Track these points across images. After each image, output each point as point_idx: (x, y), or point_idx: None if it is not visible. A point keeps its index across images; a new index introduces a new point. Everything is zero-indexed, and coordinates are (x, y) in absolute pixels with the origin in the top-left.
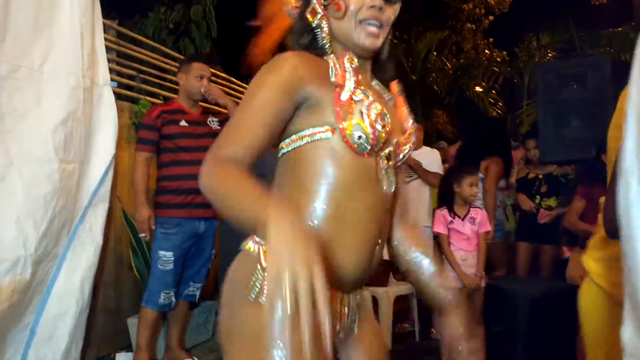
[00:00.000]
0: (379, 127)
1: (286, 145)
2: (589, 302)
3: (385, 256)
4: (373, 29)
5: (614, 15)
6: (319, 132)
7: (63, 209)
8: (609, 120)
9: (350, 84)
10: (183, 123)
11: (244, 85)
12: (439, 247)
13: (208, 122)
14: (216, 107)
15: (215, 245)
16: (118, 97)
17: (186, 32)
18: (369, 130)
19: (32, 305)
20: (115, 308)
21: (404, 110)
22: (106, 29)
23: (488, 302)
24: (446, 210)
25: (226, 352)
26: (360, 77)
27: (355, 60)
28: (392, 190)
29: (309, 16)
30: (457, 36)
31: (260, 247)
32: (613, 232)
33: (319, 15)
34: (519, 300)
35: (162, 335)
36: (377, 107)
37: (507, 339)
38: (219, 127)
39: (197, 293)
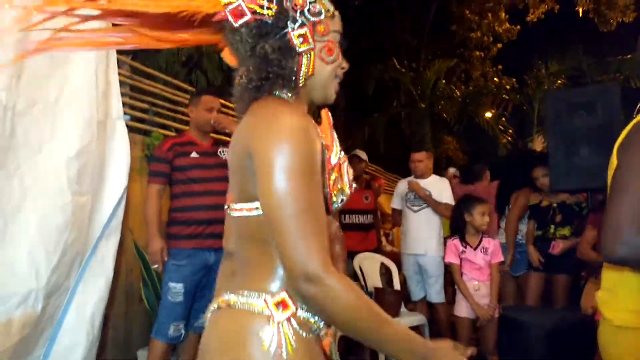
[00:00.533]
0: (352, 189)
1: (258, 208)
2: (604, 340)
3: (397, 286)
4: (338, 87)
5: (623, 42)
6: None
7: (75, 241)
8: None
9: (336, 145)
10: (194, 154)
11: None
12: (452, 276)
13: (219, 153)
14: (226, 138)
15: None
16: (131, 129)
17: (198, 64)
18: (348, 193)
19: (42, 338)
20: (125, 340)
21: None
22: (120, 64)
23: (501, 333)
24: (458, 239)
25: None
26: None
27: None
28: None
29: (296, 39)
30: (466, 64)
31: (268, 301)
32: (608, 255)
33: (308, 47)
34: (533, 331)
35: None
36: (350, 169)
37: None
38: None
39: None
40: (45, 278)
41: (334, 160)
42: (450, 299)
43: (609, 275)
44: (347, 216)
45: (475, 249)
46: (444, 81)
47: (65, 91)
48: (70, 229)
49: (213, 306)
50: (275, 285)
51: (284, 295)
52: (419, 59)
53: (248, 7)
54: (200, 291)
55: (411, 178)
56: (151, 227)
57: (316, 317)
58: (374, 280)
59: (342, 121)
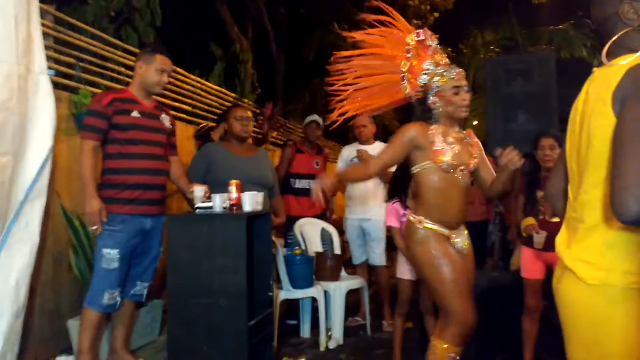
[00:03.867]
0: (454, 161)
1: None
2: (601, 307)
3: (337, 250)
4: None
5: (554, 13)
6: (426, 164)
7: None
8: (553, 115)
9: (439, 139)
10: (135, 114)
11: (188, 75)
12: (392, 240)
13: (160, 119)
14: (167, 101)
15: (163, 242)
16: (56, 86)
17: (129, 20)
18: (449, 162)
19: None
20: (53, 309)
21: (474, 144)
22: (43, 14)
23: None
24: (398, 203)
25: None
26: (447, 131)
27: (433, 128)
28: (467, 183)
29: (433, 104)
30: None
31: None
32: (623, 215)
33: (437, 104)
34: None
35: (106, 336)
36: (453, 150)
37: None
38: (170, 127)
39: (145, 292)
40: None
41: (436, 147)
42: (391, 263)
43: (608, 236)
44: (297, 181)
45: None
46: None
47: None
48: None
49: None
50: None
51: None
52: (357, 27)
53: (414, 96)
54: (137, 257)
55: (357, 145)
56: (88, 186)
57: None
58: (315, 244)
59: (282, 87)
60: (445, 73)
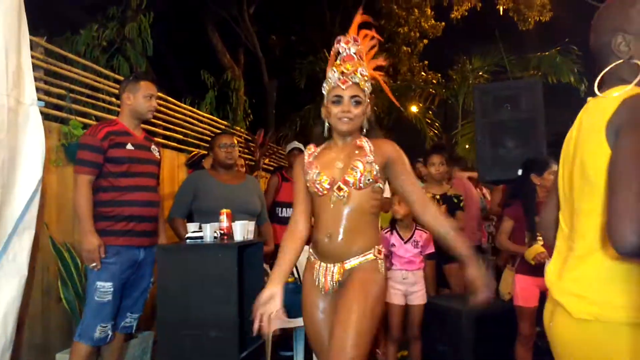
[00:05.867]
0: (322, 185)
1: None
2: (574, 336)
3: None
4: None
5: (541, 40)
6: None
7: None
8: (541, 141)
9: (312, 162)
10: (129, 146)
11: (179, 104)
12: None
13: (151, 150)
14: (155, 129)
15: (154, 273)
16: (46, 117)
17: (120, 50)
18: (317, 185)
19: None
20: (42, 343)
21: (355, 159)
22: (33, 46)
23: (432, 320)
24: (390, 232)
25: None
26: (331, 148)
27: (313, 148)
28: (355, 204)
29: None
30: (394, 58)
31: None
32: (622, 245)
33: (325, 116)
34: (463, 318)
35: None
36: (324, 169)
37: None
38: (159, 157)
39: (135, 324)
40: None
41: (307, 177)
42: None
43: (601, 268)
44: (282, 210)
45: (406, 243)
46: None
47: None
48: None
49: None
50: None
51: None
52: None
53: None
54: (128, 289)
55: None
56: (85, 223)
57: None
58: None
59: (273, 114)
60: (329, 80)
